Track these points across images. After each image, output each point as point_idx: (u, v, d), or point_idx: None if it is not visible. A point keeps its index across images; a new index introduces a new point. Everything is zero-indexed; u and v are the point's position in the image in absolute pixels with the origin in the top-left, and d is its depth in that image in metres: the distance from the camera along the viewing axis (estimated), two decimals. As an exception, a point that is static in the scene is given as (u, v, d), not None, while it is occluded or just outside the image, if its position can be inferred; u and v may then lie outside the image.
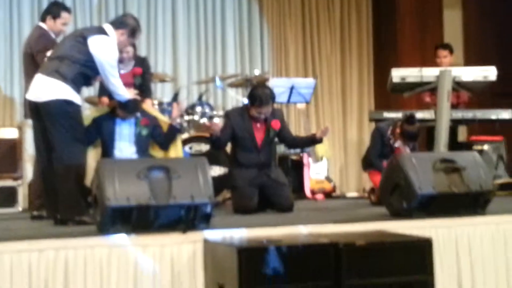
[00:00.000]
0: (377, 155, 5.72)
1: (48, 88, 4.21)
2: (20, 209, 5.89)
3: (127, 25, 4.48)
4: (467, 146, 6.84)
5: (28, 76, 4.77)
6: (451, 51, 7.05)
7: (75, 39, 4.35)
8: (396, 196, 4.24)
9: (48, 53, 4.52)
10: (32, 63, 4.85)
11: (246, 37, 7.90)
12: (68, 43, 4.37)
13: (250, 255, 3.06)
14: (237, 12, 7.89)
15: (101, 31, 4.40)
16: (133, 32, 4.52)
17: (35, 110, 4.32)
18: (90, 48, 4.27)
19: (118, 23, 4.49)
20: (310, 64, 8.16)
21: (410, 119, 5.51)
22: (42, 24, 5.05)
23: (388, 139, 5.66)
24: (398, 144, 5.58)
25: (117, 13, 7.19)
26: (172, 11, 7.59)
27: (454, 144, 6.55)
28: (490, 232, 4.02)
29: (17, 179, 6.00)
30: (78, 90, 4.31)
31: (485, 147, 6.90)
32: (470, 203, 4.22)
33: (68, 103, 4.20)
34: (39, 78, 4.29)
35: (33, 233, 3.79)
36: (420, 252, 3.30)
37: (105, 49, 4.31)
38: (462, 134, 7.64)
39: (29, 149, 6.47)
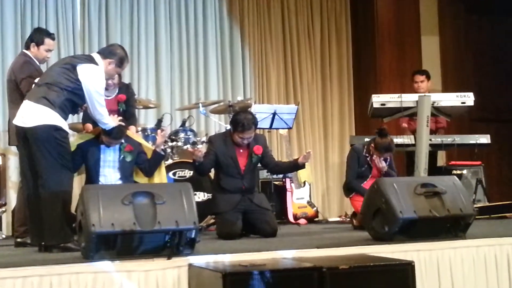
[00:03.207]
0: (355, 176, 5.78)
1: (36, 114, 4.20)
2: (3, 236, 5.84)
3: (115, 55, 4.52)
4: (446, 170, 6.95)
5: (13, 103, 4.78)
6: (428, 77, 7.20)
7: (64, 66, 4.35)
8: (377, 220, 4.29)
9: (35, 80, 4.51)
10: (16, 90, 4.83)
11: (228, 64, 7.97)
12: (56, 70, 4.37)
13: (235, 280, 3.08)
14: (219, 39, 7.96)
15: (90, 60, 4.43)
16: (121, 61, 4.56)
17: (22, 136, 4.31)
18: (79, 76, 4.29)
19: (106, 53, 4.54)
20: (292, 91, 8.25)
21: (381, 132, 5.60)
22: (26, 51, 5.03)
23: (364, 157, 5.73)
24: (374, 158, 5.65)
25: (100, 40, 7.27)
26: (155, 38, 7.64)
27: (433, 169, 6.65)
28: (471, 256, 4.08)
29: (1, 206, 5.95)
30: (65, 117, 4.31)
31: (464, 171, 7.03)
32: (451, 227, 4.28)
33: (56, 129, 4.19)
34: (27, 104, 4.29)
35: (17, 260, 3.76)
36: (402, 275, 3.35)
37: (93, 77, 4.34)
38: (441, 159, 7.75)
39: (12, 176, 6.47)
